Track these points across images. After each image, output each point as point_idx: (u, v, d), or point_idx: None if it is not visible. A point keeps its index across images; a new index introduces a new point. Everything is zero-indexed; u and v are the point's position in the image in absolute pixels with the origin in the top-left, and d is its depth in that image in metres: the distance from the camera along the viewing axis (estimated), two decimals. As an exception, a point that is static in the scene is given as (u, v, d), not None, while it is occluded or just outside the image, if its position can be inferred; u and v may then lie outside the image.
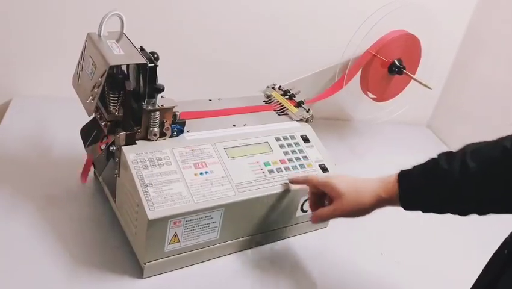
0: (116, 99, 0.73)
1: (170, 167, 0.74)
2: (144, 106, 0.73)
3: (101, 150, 0.79)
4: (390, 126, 1.22)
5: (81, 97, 0.76)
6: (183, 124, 0.80)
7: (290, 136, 0.87)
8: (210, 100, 0.92)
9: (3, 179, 0.86)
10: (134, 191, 0.71)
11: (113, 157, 0.76)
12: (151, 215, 0.68)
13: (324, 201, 0.75)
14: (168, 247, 0.72)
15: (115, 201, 0.80)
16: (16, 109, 1.05)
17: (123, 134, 0.73)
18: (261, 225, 0.81)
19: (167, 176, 0.73)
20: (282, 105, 0.94)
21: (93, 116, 0.80)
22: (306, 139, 0.88)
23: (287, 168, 0.82)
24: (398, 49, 1.06)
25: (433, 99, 1.38)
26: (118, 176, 0.76)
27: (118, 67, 0.73)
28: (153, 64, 0.71)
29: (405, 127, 1.31)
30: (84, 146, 0.84)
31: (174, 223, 0.70)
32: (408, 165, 0.68)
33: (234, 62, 1.16)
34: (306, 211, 0.84)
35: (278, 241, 0.85)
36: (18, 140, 0.96)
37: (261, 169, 0.80)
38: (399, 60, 1.07)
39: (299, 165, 0.83)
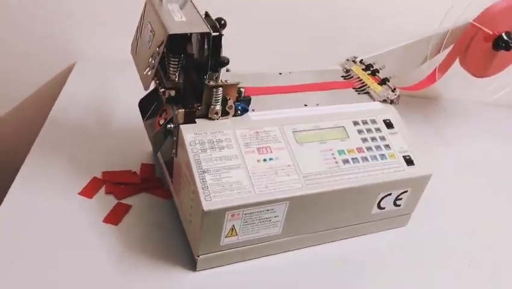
0: (176, 63, 0.65)
1: (231, 150, 0.66)
2: (206, 80, 0.65)
3: (160, 125, 0.73)
4: (487, 109, 1.05)
5: (138, 67, 0.69)
6: (248, 102, 0.71)
7: (371, 121, 0.75)
8: (280, 73, 0.81)
9: (61, 148, 0.82)
10: (190, 176, 0.63)
11: (170, 135, 0.69)
12: (207, 206, 0.60)
13: None
14: (224, 241, 0.65)
15: (172, 182, 0.74)
16: (79, 74, 1.02)
17: (181, 111, 0.66)
18: (330, 221, 0.71)
19: (227, 161, 0.65)
20: (363, 82, 0.82)
21: (152, 88, 0.73)
22: (389, 125, 0.76)
23: (364, 159, 0.71)
24: (508, 21, 0.89)
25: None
26: (176, 156, 0.70)
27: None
28: (217, 33, 0.62)
29: (506, 111, 1.13)
30: (143, 119, 0.78)
31: (232, 215, 0.62)
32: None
33: (308, 29, 1.04)
34: (384, 208, 0.73)
35: (348, 239, 0.75)
36: (80, 107, 0.92)
37: (334, 158, 0.70)
38: (508, 34, 0.90)
39: (380, 155, 0.72)
